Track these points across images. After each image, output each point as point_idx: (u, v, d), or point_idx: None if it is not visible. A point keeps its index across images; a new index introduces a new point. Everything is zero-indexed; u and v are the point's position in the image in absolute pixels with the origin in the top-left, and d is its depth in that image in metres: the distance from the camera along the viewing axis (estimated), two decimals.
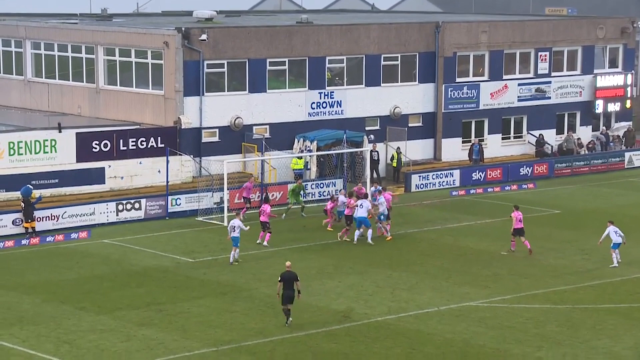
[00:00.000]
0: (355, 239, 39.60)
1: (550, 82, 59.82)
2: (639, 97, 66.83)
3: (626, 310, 31.74)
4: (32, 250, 39.78)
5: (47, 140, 46.17)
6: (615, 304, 32.37)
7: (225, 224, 43.78)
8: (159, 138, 48.31)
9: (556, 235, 41.98)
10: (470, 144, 56.11)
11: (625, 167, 58.38)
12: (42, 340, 28.72)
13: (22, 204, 41.57)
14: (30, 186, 42.48)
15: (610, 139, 61.13)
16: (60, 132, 46.80)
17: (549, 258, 38.16)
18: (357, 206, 39.63)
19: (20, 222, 41.56)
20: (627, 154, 59.06)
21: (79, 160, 46.75)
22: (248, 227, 37.51)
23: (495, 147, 57.78)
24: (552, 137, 59.58)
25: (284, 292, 29.88)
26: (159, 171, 47.52)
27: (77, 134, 47.02)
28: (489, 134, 57.82)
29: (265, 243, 39.32)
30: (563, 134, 60.11)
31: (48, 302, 32.39)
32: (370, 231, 39.48)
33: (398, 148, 53.52)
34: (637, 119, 66.58)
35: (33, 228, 41.29)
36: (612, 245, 36.20)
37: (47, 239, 40.92)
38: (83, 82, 54.32)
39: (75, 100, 54.69)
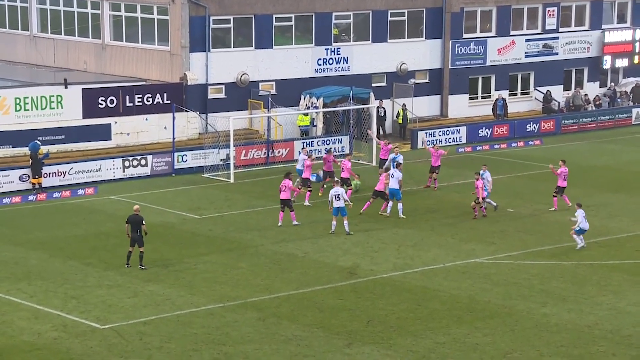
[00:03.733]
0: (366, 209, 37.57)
1: (557, 38, 59.49)
2: None
3: (631, 266, 31.81)
4: (38, 206, 39.90)
5: (53, 96, 46.14)
6: (621, 260, 32.43)
7: (232, 180, 43.90)
8: (165, 94, 48.24)
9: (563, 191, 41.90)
10: (495, 99, 56.08)
11: (633, 123, 58.21)
12: (49, 295, 28.90)
13: (30, 159, 41.64)
14: (38, 142, 42.52)
15: (618, 95, 60.90)
16: (66, 87, 46.75)
17: (555, 215, 38.17)
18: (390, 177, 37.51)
19: (27, 178, 41.66)
20: (634, 110, 58.84)
21: (85, 116, 46.74)
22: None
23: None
24: (559, 94, 59.37)
25: (131, 235, 30.76)
26: (165, 127, 47.51)
27: (83, 89, 46.97)
28: (495, 90, 57.63)
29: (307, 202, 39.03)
30: (570, 90, 59.90)
31: (55, 258, 32.55)
32: (400, 205, 37.31)
33: (404, 104, 53.40)
34: None
35: (40, 184, 41.38)
36: (577, 229, 33.08)
37: (54, 195, 41.04)
38: (89, 37, 54.17)
39: (81, 55, 54.56)
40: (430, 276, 30.72)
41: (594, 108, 59.19)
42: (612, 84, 61.56)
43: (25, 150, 43.20)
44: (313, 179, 40.90)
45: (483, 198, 37.32)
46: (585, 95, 59.70)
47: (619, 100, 60.73)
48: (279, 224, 36.02)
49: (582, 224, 32.83)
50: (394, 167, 38.42)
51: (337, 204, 34.76)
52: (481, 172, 37.80)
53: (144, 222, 31.18)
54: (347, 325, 26.59)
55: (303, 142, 48.16)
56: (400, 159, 40.60)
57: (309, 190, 39.30)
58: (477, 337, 25.70)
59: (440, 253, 33.10)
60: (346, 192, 37.05)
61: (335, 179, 37.47)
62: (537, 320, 27.02)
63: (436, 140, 51.24)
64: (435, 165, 42.01)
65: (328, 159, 41.13)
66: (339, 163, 40.65)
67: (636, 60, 62.58)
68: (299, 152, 43.23)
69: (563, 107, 58.76)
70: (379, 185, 37.53)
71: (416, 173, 44.04)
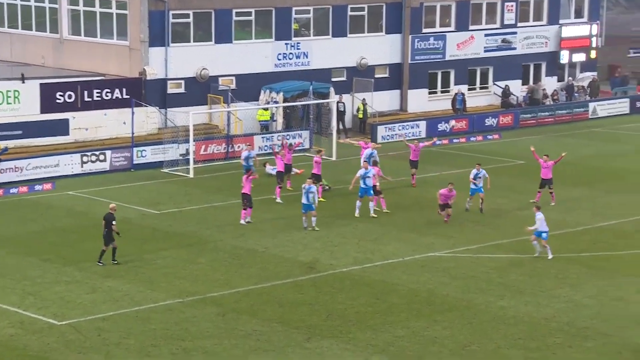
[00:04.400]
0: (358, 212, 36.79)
1: (516, 33, 59.86)
2: (604, 47, 67.03)
3: (588, 259, 32.09)
4: None
5: (10, 91, 45.66)
6: (578, 253, 32.72)
7: (191, 175, 43.71)
8: (124, 89, 47.92)
9: (520, 186, 42.22)
10: (454, 93, 56.31)
11: (590, 117, 58.72)
12: (7, 292, 28.63)
13: None
14: None
15: (575, 89, 61.40)
16: (23, 82, 46.32)
17: (514, 208, 38.41)
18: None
19: None
20: (591, 105, 59.38)
21: (43, 111, 46.32)
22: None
23: None
24: (517, 88, 59.74)
25: (104, 233, 30.68)
26: (124, 123, 47.21)
27: (40, 84, 46.54)
28: (455, 84, 57.88)
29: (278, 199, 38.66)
30: (528, 84, 60.28)
31: (13, 254, 32.25)
32: (371, 203, 36.69)
33: (364, 99, 53.47)
34: (602, 69, 66.86)
35: None
36: (536, 232, 31.69)
37: (11, 191, 40.63)
38: (46, 32, 53.70)
39: (38, 50, 54.06)
40: (389, 270, 30.81)
41: (551, 102, 59.64)
42: (570, 78, 62.05)
43: None
44: (273, 172, 40.89)
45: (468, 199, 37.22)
46: (544, 89, 60.12)
47: (576, 94, 61.23)
48: (248, 220, 35.63)
49: (541, 227, 31.70)
50: (370, 164, 38.08)
51: (310, 197, 34.56)
52: (475, 171, 37.15)
53: (114, 222, 30.78)
54: (306, 319, 26.59)
55: (262, 137, 48.13)
56: (376, 154, 40.40)
57: (322, 186, 38.76)
58: (435, 331, 25.82)
59: (399, 247, 33.19)
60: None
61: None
62: (494, 313, 27.18)
63: (397, 135, 51.42)
64: (415, 159, 41.51)
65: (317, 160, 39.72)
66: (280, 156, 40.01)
67: (593, 55, 63.14)
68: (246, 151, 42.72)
69: (522, 102, 59.13)
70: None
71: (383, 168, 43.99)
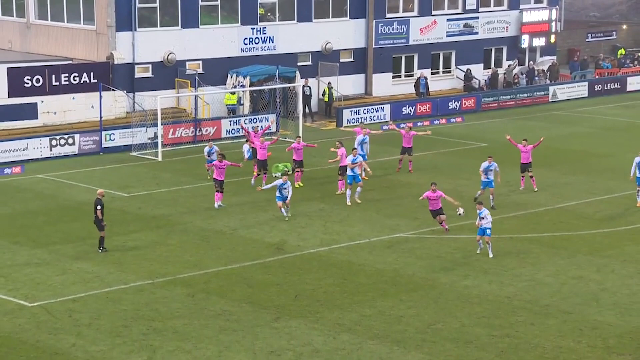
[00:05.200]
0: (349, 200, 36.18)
1: (477, 18, 60.11)
2: (563, 32, 67.48)
3: (549, 239, 32.39)
4: None
5: None
6: (539, 233, 33.00)
7: (160, 158, 43.55)
8: (92, 73, 47.62)
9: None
10: (417, 77, 56.45)
11: (550, 100, 59.13)
12: None
13: None
14: None
15: (536, 73, 61.78)
16: None
17: (476, 190, 38.61)
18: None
19: None
20: (551, 88, 59.78)
21: (10, 95, 45.93)
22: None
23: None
24: (479, 72, 60.03)
25: (94, 219, 30.27)
26: (92, 107, 46.93)
27: (8, 69, 46.15)
28: (418, 68, 58.02)
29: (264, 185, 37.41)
30: (490, 68, 60.60)
31: None
32: (359, 188, 36.27)
33: (329, 83, 53.50)
34: (561, 53, 67.32)
35: None
36: (480, 230, 30.47)
37: None
38: (13, 16, 53.18)
39: (5, 34, 53.54)
40: (356, 251, 30.92)
41: (512, 86, 59.98)
42: (531, 62, 62.41)
43: None
44: (247, 156, 40.87)
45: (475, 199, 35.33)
46: (504, 73, 60.41)
47: (536, 78, 61.62)
48: (220, 204, 35.13)
49: (485, 224, 30.22)
50: (362, 150, 37.58)
51: (284, 192, 33.67)
52: (487, 163, 35.43)
53: (98, 207, 30.27)
54: (275, 299, 26.66)
55: (230, 121, 48.03)
56: (368, 140, 39.73)
57: (299, 171, 38.06)
58: (401, 310, 25.97)
59: (365, 228, 33.31)
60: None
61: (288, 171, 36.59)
62: (459, 292, 27.39)
63: (362, 118, 51.53)
64: (408, 146, 40.57)
65: (297, 147, 38.85)
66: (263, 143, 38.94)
67: (552, 40, 63.56)
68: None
69: (483, 85, 59.44)
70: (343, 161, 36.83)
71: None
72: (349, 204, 35.97)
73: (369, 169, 37.89)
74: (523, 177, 38.18)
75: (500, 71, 60.27)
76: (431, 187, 32.04)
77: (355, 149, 37.63)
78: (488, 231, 30.19)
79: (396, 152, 41.76)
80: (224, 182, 35.17)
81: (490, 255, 30.12)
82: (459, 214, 32.41)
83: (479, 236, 30.42)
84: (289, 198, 33.72)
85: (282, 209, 33.89)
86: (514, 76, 60.38)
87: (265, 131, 41.95)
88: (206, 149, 38.93)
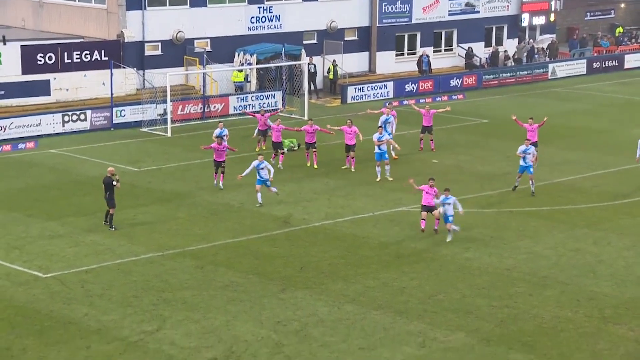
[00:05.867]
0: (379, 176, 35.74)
1: None
2: (562, 10, 67.12)
3: (547, 213, 32.36)
4: None
5: None
6: (537, 207, 32.97)
7: (169, 134, 43.54)
8: (103, 51, 47.54)
9: (483, 143, 42.42)
10: (419, 55, 56.25)
11: (549, 77, 58.93)
12: None
13: None
14: None
15: (535, 51, 61.54)
16: (4, 44, 45.81)
17: (477, 165, 38.61)
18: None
19: None
20: (550, 66, 59.56)
21: (24, 72, 45.90)
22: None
23: None
24: (480, 50, 59.80)
25: (104, 196, 29.91)
26: (104, 83, 46.86)
27: (21, 46, 46.09)
28: (421, 47, 57.81)
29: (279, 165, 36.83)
30: (491, 46, 60.37)
31: None
32: (387, 166, 35.93)
33: (334, 61, 53.34)
34: (561, 31, 67.03)
35: None
36: (444, 217, 29.12)
37: None
38: None
39: (18, 13, 53.41)
40: (360, 224, 30.92)
41: (512, 64, 59.78)
42: (531, 40, 62.15)
43: None
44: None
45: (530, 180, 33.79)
46: (505, 51, 60.23)
47: (536, 56, 61.38)
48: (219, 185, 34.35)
49: (449, 211, 28.92)
50: (385, 129, 36.98)
51: (262, 173, 32.42)
52: (524, 147, 33.94)
53: (114, 182, 29.99)
54: (281, 271, 26.69)
55: (237, 98, 47.96)
56: (392, 120, 38.92)
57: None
58: (404, 281, 26.00)
59: (369, 202, 33.29)
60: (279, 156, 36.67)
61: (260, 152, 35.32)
62: (460, 264, 27.40)
63: (366, 95, 51.42)
64: (428, 125, 39.75)
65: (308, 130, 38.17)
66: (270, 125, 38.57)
67: (552, 18, 63.27)
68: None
69: (484, 63, 59.24)
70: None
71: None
72: (378, 179, 35.58)
73: (397, 146, 37.68)
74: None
75: (501, 49, 59.99)
76: (429, 182, 29.83)
77: (381, 126, 36.93)
78: (450, 218, 28.88)
79: (400, 128, 41.63)
80: (223, 163, 34.30)
81: (448, 239, 28.85)
82: (455, 230, 29.39)
83: (446, 223, 28.95)
84: (271, 177, 32.40)
85: (259, 194, 32.31)
86: (513, 54, 60.15)
87: (273, 114, 40.73)
88: (217, 131, 37.32)
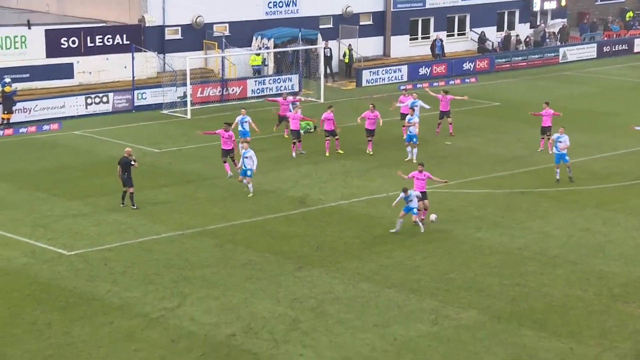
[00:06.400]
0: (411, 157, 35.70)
1: None
2: None
3: (557, 193, 32.28)
4: (6, 141, 39.36)
5: (17, 36, 45.29)
6: (548, 188, 32.88)
7: (189, 116, 43.59)
8: (125, 35, 47.55)
9: (496, 125, 42.28)
10: (433, 40, 56.04)
11: (560, 61, 58.62)
12: (18, 224, 28.66)
13: (1, 96, 41.05)
14: (7, 79, 41.80)
15: (547, 35, 61.18)
16: (29, 29, 45.87)
17: (489, 147, 38.51)
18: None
19: None
20: (561, 49, 59.23)
21: (48, 55, 45.98)
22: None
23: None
24: (493, 34, 59.50)
25: (122, 176, 29.98)
26: (125, 67, 46.89)
27: (46, 30, 46.14)
28: (434, 31, 57.57)
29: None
30: (503, 31, 60.05)
31: (23, 189, 32.22)
32: (415, 149, 35.83)
33: (350, 45, 53.20)
34: (572, 16, 66.59)
35: (8, 120, 40.82)
36: (405, 208, 28.02)
37: (20, 131, 40.52)
38: None
39: None
40: (375, 204, 30.90)
41: (524, 47, 59.48)
42: (542, 24, 61.78)
43: None
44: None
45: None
46: (517, 35, 59.93)
47: (547, 40, 61.03)
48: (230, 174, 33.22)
49: (412, 204, 28.00)
50: (415, 113, 36.52)
51: (247, 162, 31.30)
52: (557, 135, 33.25)
53: (132, 162, 30.12)
54: (297, 250, 26.74)
55: (255, 81, 47.93)
56: (420, 103, 38.35)
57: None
58: (417, 260, 26.01)
59: (384, 183, 33.27)
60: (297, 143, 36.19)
61: (248, 138, 33.74)
62: (472, 243, 27.38)
63: (380, 78, 51.29)
64: (445, 110, 39.30)
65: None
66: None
67: (563, 3, 62.85)
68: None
69: (497, 47, 58.97)
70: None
71: (362, 109, 43.95)
72: (410, 159, 35.55)
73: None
74: (542, 139, 37.43)
75: (513, 33, 59.68)
76: (418, 167, 29.12)
77: (412, 108, 36.76)
78: (414, 210, 27.95)
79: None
80: (232, 152, 33.22)
81: (422, 230, 27.94)
82: (432, 221, 28.57)
83: (403, 212, 27.88)
84: (254, 168, 31.13)
85: (245, 182, 31.23)
86: (525, 38, 59.81)
87: (295, 102, 39.58)
88: (238, 118, 36.25)
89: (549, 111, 37.06)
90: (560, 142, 33.14)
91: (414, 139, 35.91)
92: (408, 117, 36.33)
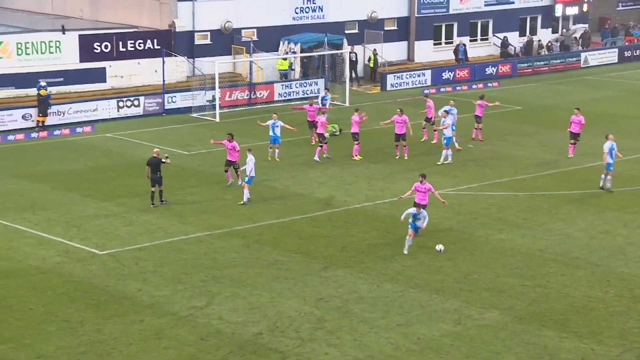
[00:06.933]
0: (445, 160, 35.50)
1: None
2: (595, 1, 66.22)
3: (579, 196, 32.06)
4: (40, 142, 39.63)
5: (52, 41, 45.60)
6: (570, 190, 32.68)
7: (217, 119, 43.68)
8: (155, 40, 47.75)
9: (518, 129, 42.08)
10: (456, 45, 55.90)
11: (582, 66, 58.27)
12: (52, 224, 28.84)
13: (37, 99, 41.31)
14: (43, 83, 42.14)
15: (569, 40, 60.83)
16: (64, 34, 46.17)
17: (511, 150, 38.33)
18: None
19: (30, 117, 41.38)
20: (583, 54, 58.87)
21: (82, 60, 46.25)
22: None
23: None
24: (515, 39, 59.23)
25: (151, 176, 30.11)
26: (156, 71, 47.08)
27: (79, 35, 46.42)
28: (457, 36, 57.40)
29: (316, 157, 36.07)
30: (525, 36, 59.77)
31: (56, 190, 32.42)
32: (449, 152, 35.67)
33: (375, 50, 53.13)
34: (593, 21, 66.16)
35: (43, 122, 41.14)
36: (412, 225, 26.27)
37: (55, 133, 40.78)
38: None
39: (76, 4, 53.77)
40: (398, 206, 30.73)
41: (546, 52, 59.17)
42: (564, 30, 61.43)
43: (28, 91, 42.89)
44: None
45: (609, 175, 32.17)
46: (539, 40, 59.62)
47: (569, 45, 60.65)
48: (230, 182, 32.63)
49: (419, 222, 25.99)
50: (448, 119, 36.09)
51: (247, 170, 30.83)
52: (611, 143, 32.04)
53: (163, 159, 30.32)
54: (323, 250, 26.72)
55: (282, 85, 47.97)
56: (454, 111, 37.74)
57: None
58: (440, 261, 25.91)
59: (407, 185, 33.07)
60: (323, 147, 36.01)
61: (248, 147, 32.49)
62: (494, 245, 27.26)
63: (404, 83, 51.18)
64: (479, 115, 38.95)
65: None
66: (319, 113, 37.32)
67: (585, 9, 62.44)
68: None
69: (519, 52, 58.68)
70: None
71: (387, 113, 43.93)
72: (451, 162, 35.47)
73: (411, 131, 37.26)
74: (573, 145, 36.72)
75: (535, 39, 59.37)
76: (419, 178, 27.77)
77: (446, 111, 36.45)
78: (418, 229, 26.23)
79: (436, 114, 41.33)
80: (236, 164, 32.14)
81: (405, 252, 26.14)
82: (439, 251, 26.43)
83: (411, 231, 26.17)
84: (248, 174, 30.55)
85: (245, 190, 30.71)
86: (547, 43, 59.48)
87: (322, 109, 38.67)
88: (270, 122, 35.75)
89: (580, 118, 36.44)
90: (613, 149, 32.07)
91: (447, 142, 35.62)
92: (441, 119, 35.99)
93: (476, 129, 39.54)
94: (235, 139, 32.48)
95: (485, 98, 40.06)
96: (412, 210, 26.19)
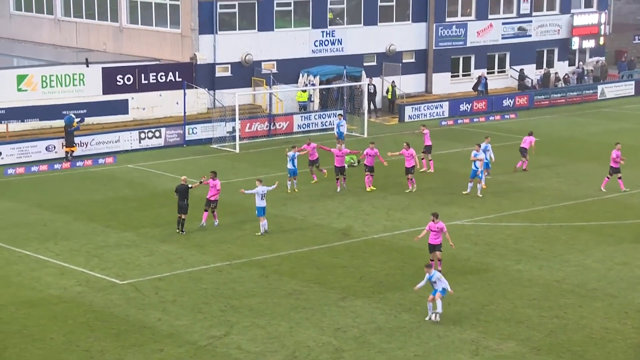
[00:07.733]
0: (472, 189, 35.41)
1: (531, 21, 59.26)
2: (611, 34, 66.19)
3: (596, 227, 31.87)
4: (63, 173, 39.84)
5: (75, 74, 45.97)
6: (586, 221, 32.49)
7: (237, 150, 43.80)
8: (177, 72, 48.06)
9: (535, 160, 41.90)
10: (477, 77, 55.96)
11: (598, 98, 58.13)
12: (74, 254, 28.92)
13: (64, 130, 41.57)
14: (73, 115, 42.50)
15: (585, 72, 60.76)
16: (87, 67, 46.55)
17: (528, 181, 38.19)
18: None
19: (54, 148, 41.63)
20: (599, 87, 58.74)
21: (105, 92, 46.58)
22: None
23: None
24: (532, 72, 59.23)
25: (179, 203, 30.27)
26: (177, 103, 47.35)
27: (103, 68, 46.77)
28: (475, 69, 57.46)
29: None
30: (542, 68, 59.76)
31: (79, 220, 32.53)
32: (479, 185, 35.60)
33: (393, 82, 53.26)
34: (610, 54, 66.07)
35: (72, 152, 41.43)
36: (438, 290, 23.82)
37: (77, 164, 40.99)
38: (108, 20, 53.90)
39: (100, 37, 54.26)
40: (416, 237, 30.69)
41: (563, 85, 59.10)
42: (581, 62, 61.39)
43: (52, 123, 43.20)
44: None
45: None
46: (556, 73, 59.59)
47: (585, 77, 60.59)
48: (203, 224, 31.33)
49: (444, 285, 23.81)
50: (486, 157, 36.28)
51: (260, 203, 30.62)
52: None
53: (190, 185, 30.81)
54: (341, 280, 26.63)
55: (301, 116, 48.11)
56: (489, 148, 37.61)
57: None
58: (457, 291, 25.73)
59: (425, 216, 32.97)
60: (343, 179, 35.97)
61: (258, 177, 32.49)
62: (511, 276, 27.09)
63: (422, 114, 51.29)
64: (525, 147, 39.09)
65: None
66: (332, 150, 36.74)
67: (601, 42, 62.40)
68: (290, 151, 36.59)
69: (536, 84, 58.65)
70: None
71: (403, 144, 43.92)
72: (475, 194, 35.25)
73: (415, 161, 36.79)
74: (608, 178, 36.24)
75: (552, 71, 59.31)
76: (431, 218, 26.99)
77: (478, 144, 36.24)
78: (443, 291, 23.80)
79: (454, 145, 41.38)
80: (214, 203, 31.14)
81: (432, 318, 23.87)
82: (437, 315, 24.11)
83: (431, 296, 23.84)
84: (257, 204, 30.41)
85: (261, 223, 30.50)
86: (564, 76, 59.40)
87: (344, 153, 36.92)
88: (290, 154, 35.66)
89: (619, 153, 35.83)
90: None
91: (477, 174, 35.51)
92: (474, 152, 35.74)
93: (522, 160, 39.45)
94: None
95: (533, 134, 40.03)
96: (423, 281, 23.98)
